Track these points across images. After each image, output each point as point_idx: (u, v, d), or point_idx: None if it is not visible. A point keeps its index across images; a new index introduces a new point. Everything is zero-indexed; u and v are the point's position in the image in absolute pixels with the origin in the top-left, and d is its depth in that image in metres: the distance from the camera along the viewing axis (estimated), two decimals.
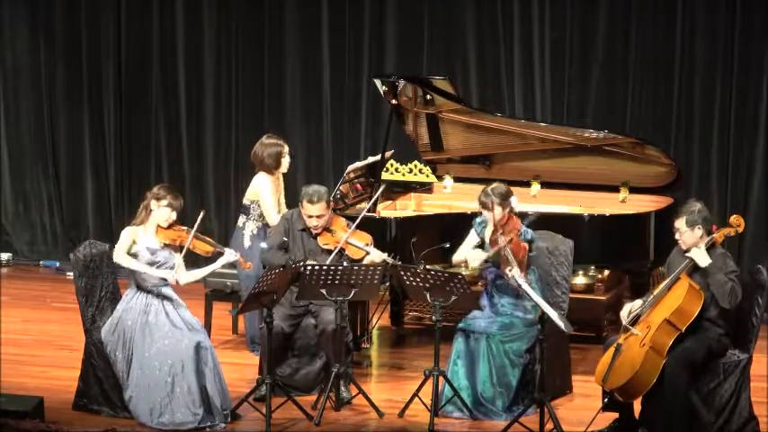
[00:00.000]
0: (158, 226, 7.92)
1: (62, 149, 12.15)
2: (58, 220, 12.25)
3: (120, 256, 7.86)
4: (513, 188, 8.34)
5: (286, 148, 9.21)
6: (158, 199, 7.90)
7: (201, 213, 7.97)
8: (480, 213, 8.24)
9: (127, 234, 7.89)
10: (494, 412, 8.00)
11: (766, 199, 10.75)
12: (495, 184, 8.20)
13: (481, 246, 8.29)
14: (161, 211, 7.89)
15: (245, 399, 7.93)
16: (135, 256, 7.87)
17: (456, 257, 8.35)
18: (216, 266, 8.07)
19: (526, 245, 8.07)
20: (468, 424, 7.98)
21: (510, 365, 8.04)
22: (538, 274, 8.27)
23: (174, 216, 7.94)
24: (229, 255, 8.05)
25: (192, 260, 8.48)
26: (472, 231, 8.33)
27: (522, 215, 8.37)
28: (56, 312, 10.36)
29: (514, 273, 7.84)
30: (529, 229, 8.17)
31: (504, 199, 8.11)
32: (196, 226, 7.93)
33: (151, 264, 7.87)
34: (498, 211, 8.08)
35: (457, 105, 9.59)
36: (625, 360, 7.34)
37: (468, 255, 8.27)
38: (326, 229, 8.39)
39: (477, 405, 8.03)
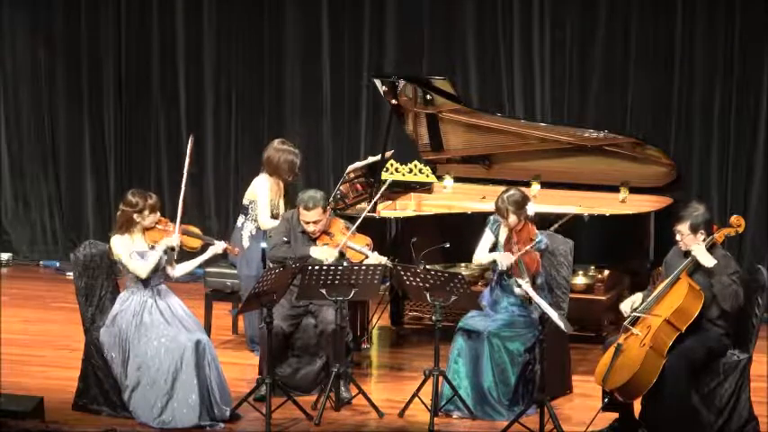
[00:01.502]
0: (146, 228, 7.92)
1: (62, 149, 12.16)
2: (58, 220, 12.25)
3: (130, 263, 7.86)
4: None
5: (299, 158, 9.21)
6: (140, 211, 7.88)
7: (191, 139, 7.99)
8: (492, 213, 8.25)
9: (119, 242, 7.87)
10: (497, 411, 8.00)
11: (766, 199, 10.75)
12: (511, 191, 8.11)
13: (495, 247, 8.28)
14: (148, 219, 7.90)
15: (245, 399, 7.93)
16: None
17: (477, 259, 8.31)
18: (206, 257, 8.08)
19: (538, 256, 8.05)
20: (469, 424, 7.98)
21: (510, 363, 8.04)
22: (545, 277, 8.26)
23: (158, 214, 7.96)
24: (218, 245, 8.05)
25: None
26: (486, 230, 8.31)
27: (556, 216, 8.34)
28: (56, 312, 10.36)
29: (526, 286, 7.82)
30: (544, 238, 8.14)
31: (519, 207, 8.04)
32: (178, 220, 7.94)
33: None
34: (513, 219, 8.05)
35: (457, 105, 9.59)
36: (625, 360, 7.34)
37: (497, 257, 8.13)
38: (325, 231, 8.39)
39: (481, 403, 8.03)
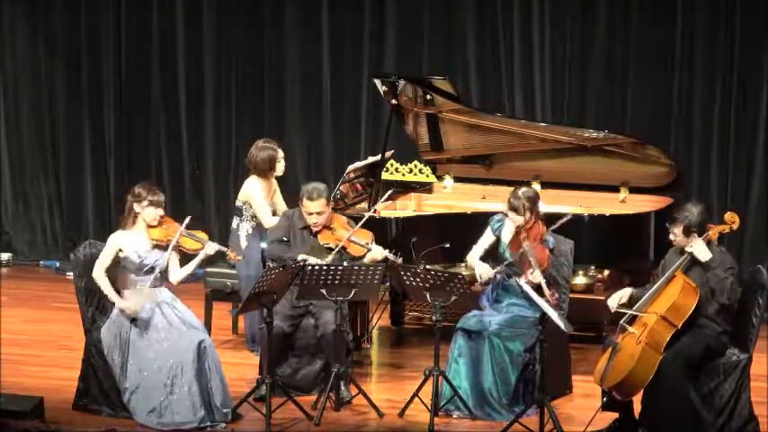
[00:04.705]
0: (148, 225, 7.92)
1: (62, 149, 12.16)
2: (58, 220, 12.25)
3: (97, 271, 7.88)
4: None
5: (280, 153, 9.19)
6: (139, 201, 7.88)
7: (187, 219, 7.94)
8: (496, 213, 8.24)
9: (111, 244, 7.88)
10: (497, 411, 8.00)
11: (766, 199, 10.75)
12: (525, 188, 8.14)
13: (496, 247, 8.27)
14: (146, 211, 7.88)
15: (245, 399, 7.93)
16: (123, 261, 7.87)
17: (469, 259, 8.32)
18: (200, 258, 7.94)
19: (548, 252, 8.06)
20: (469, 424, 7.98)
21: (510, 363, 8.04)
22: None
23: (160, 212, 7.90)
24: (209, 246, 7.96)
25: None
26: (488, 230, 8.30)
27: (558, 216, 8.36)
28: (56, 312, 10.36)
29: (536, 275, 7.82)
30: (551, 237, 8.15)
31: (534, 204, 8.06)
32: (185, 224, 7.92)
33: (140, 268, 7.86)
34: (528, 216, 8.06)
35: (457, 105, 9.59)
36: (622, 358, 7.34)
37: (479, 268, 8.22)
38: (327, 227, 8.40)
39: (482, 403, 8.03)
